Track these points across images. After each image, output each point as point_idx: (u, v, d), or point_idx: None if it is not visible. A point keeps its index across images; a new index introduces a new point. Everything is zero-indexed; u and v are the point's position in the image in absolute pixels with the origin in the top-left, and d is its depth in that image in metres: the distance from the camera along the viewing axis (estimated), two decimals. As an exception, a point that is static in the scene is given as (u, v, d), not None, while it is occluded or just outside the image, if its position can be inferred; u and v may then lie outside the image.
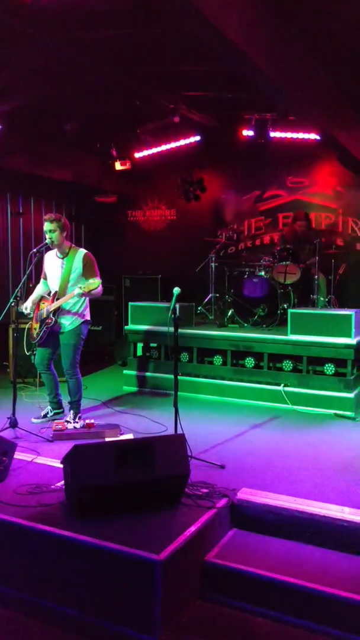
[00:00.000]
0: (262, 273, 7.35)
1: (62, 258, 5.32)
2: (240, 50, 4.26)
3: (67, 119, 7.48)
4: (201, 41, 4.42)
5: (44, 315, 5.27)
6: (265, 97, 5.92)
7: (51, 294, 5.31)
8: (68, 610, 3.02)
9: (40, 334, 5.27)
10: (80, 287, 4.96)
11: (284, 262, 7.36)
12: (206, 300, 7.87)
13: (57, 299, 5.21)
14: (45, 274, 5.50)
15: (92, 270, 5.24)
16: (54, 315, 5.20)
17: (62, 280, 5.25)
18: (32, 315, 5.46)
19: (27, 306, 5.42)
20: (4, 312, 5.26)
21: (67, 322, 5.29)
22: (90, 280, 4.99)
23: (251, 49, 4.38)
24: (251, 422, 5.61)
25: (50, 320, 5.20)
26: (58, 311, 5.21)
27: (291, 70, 5.24)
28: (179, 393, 4.52)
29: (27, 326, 5.53)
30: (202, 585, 3.20)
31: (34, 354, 5.48)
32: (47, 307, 5.28)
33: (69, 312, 5.27)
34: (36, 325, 5.39)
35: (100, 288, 5.18)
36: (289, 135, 7.88)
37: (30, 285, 7.27)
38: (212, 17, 3.75)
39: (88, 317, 5.41)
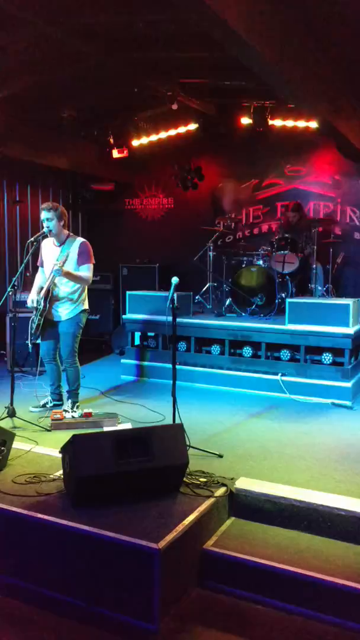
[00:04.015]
0: (260, 262, 7.33)
1: (60, 246, 5.29)
2: (240, 37, 4.20)
3: (64, 107, 7.40)
4: (200, 28, 4.36)
5: (39, 305, 5.25)
6: (264, 84, 5.87)
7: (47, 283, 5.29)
8: (67, 599, 3.04)
9: (37, 322, 5.25)
10: (55, 264, 4.93)
11: (282, 252, 7.33)
12: (204, 289, 7.85)
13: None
14: (42, 262, 5.48)
15: (86, 258, 5.21)
16: (45, 302, 5.18)
17: (58, 268, 5.23)
18: (41, 307, 5.22)
19: (33, 299, 5.30)
20: (2, 300, 5.23)
21: (66, 311, 5.27)
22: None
23: (251, 35, 4.32)
24: (249, 411, 5.63)
25: (42, 308, 5.17)
26: (50, 298, 5.18)
27: (291, 57, 5.19)
28: (177, 382, 4.52)
29: (31, 317, 5.46)
30: (201, 574, 3.22)
31: (32, 344, 5.45)
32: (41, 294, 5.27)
33: (67, 301, 5.25)
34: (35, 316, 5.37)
35: (88, 273, 5.16)
36: (287, 123, 7.83)
37: (28, 274, 7.23)
38: (212, 3, 3.71)
39: (86, 307, 5.39)
